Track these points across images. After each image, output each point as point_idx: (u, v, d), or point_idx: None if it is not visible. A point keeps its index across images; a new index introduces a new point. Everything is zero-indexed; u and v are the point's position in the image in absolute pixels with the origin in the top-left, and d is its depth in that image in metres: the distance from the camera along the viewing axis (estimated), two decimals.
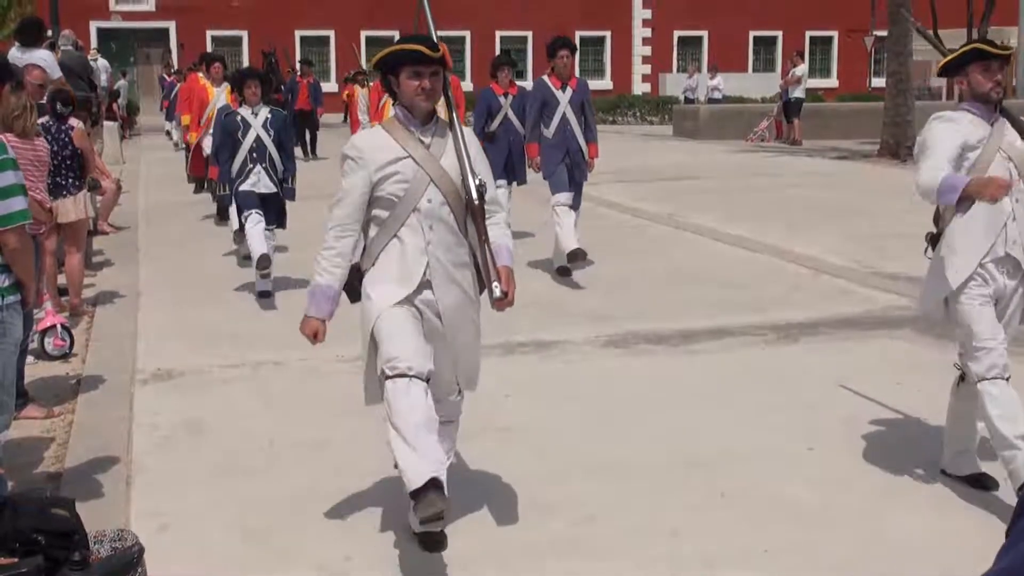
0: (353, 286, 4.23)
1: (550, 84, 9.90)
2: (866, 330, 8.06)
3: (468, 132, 4.30)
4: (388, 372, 4.03)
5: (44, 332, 7.39)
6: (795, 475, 5.23)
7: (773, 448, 5.60)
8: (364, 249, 4.26)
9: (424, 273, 4.13)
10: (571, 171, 9.87)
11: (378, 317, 4.11)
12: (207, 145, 12.16)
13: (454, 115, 4.29)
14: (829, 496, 4.99)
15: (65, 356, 7.49)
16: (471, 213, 4.19)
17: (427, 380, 4.06)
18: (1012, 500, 4.67)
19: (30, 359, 6.83)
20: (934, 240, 5.01)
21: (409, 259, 4.13)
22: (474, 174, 4.16)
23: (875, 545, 4.50)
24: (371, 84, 17.95)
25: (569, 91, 9.85)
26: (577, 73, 10.36)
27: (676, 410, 6.25)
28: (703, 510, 4.85)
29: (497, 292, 4.10)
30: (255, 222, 9.07)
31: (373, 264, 4.20)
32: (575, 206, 9.92)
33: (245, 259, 10.03)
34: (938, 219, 5.03)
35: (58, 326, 7.50)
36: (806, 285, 9.70)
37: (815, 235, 12.12)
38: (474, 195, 4.15)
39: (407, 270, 4.13)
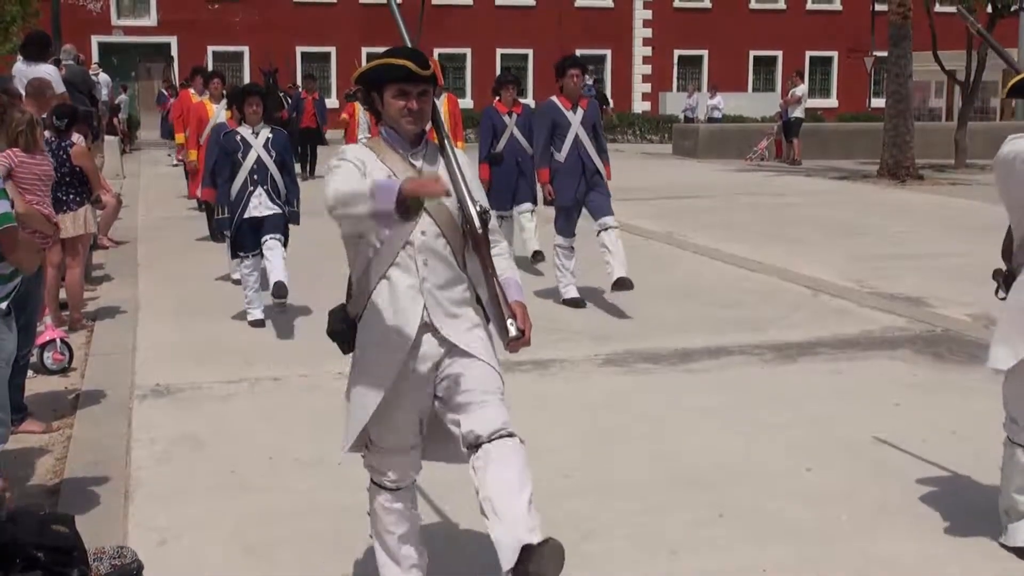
0: (345, 334, 3.79)
1: (560, 105, 9.42)
2: (865, 350, 8.07)
3: (462, 155, 3.85)
4: (374, 479, 3.91)
5: (43, 346, 7.38)
6: (793, 494, 5.24)
7: (771, 467, 5.61)
8: (350, 289, 3.83)
9: (421, 315, 3.66)
10: (593, 189, 9.37)
11: (371, 419, 3.71)
12: None
13: (444, 136, 3.83)
14: (827, 516, 4.99)
15: (64, 370, 7.49)
16: (474, 244, 3.70)
17: (413, 481, 3.96)
18: (998, 522, 4.67)
19: (29, 373, 6.83)
20: (1007, 279, 4.57)
21: (402, 302, 3.66)
22: (474, 200, 3.69)
23: (872, 565, 4.50)
24: None
25: (580, 111, 9.40)
26: None
27: (675, 428, 6.26)
28: (702, 528, 4.85)
29: (513, 331, 3.67)
30: (250, 270, 8.79)
31: (363, 311, 3.73)
32: (606, 219, 9.29)
33: (237, 283, 9.65)
34: (1008, 253, 4.61)
35: (57, 340, 7.51)
36: (805, 305, 9.70)
37: (815, 255, 12.15)
38: (476, 223, 3.66)
39: (402, 314, 3.65)
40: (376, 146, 3.79)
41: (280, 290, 8.54)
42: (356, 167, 3.62)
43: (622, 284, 9.07)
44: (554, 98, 9.59)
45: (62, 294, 8.74)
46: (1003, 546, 4.61)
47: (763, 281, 10.78)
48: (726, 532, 4.82)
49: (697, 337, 8.34)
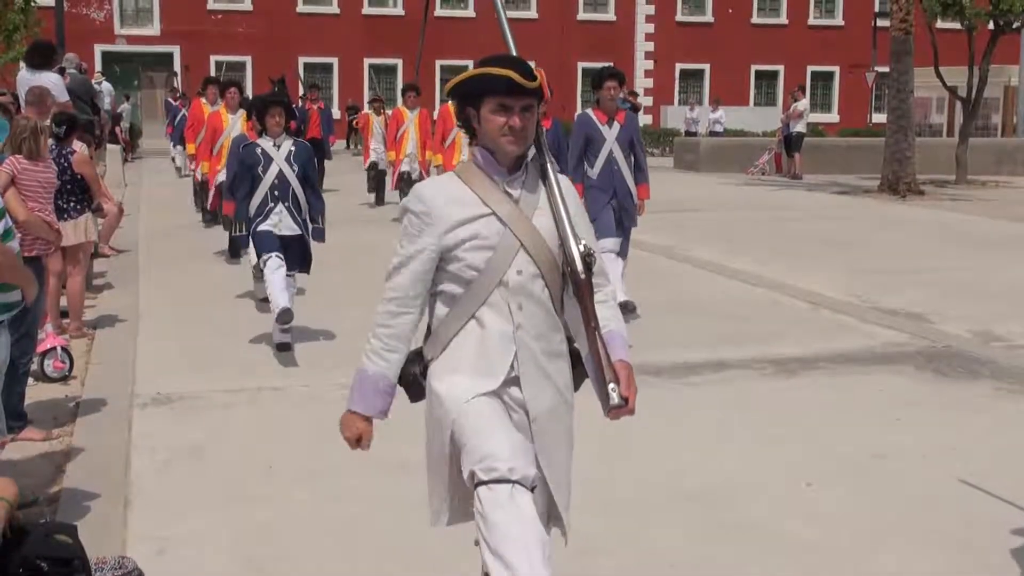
0: (416, 380, 3.35)
1: (595, 119, 9.03)
2: (865, 365, 8.06)
3: (565, 182, 3.35)
4: (482, 475, 3.12)
5: (44, 354, 7.37)
6: (793, 510, 5.23)
7: (771, 482, 5.60)
8: (429, 332, 3.37)
9: (511, 367, 3.24)
10: (619, 215, 9.11)
11: (457, 416, 3.22)
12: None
13: (547, 160, 3.30)
14: (826, 532, 4.98)
15: (64, 378, 7.47)
16: (575, 290, 3.23)
17: (532, 490, 3.19)
18: (999, 538, 4.66)
19: (30, 381, 6.82)
20: None
21: (492, 347, 3.23)
22: (578, 238, 3.22)
23: None
24: (389, 112, 17.80)
25: (616, 126, 8.99)
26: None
27: (675, 443, 6.25)
28: (701, 544, 4.84)
29: (615, 398, 3.27)
30: (275, 267, 8.02)
31: (443, 351, 3.30)
32: (623, 254, 9.24)
33: (263, 302, 8.89)
34: None
35: (58, 348, 7.50)
36: (806, 319, 9.71)
37: (815, 269, 12.15)
38: (579, 266, 3.19)
39: (489, 361, 3.23)
40: (466, 172, 3.32)
41: (285, 316, 7.89)
42: (427, 253, 3.21)
43: (624, 307, 8.88)
44: (589, 111, 9.26)
45: (63, 302, 8.74)
46: None
47: (764, 295, 10.79)
48: (725, 547, 4.81)
49: (698, 351, 8.34)
